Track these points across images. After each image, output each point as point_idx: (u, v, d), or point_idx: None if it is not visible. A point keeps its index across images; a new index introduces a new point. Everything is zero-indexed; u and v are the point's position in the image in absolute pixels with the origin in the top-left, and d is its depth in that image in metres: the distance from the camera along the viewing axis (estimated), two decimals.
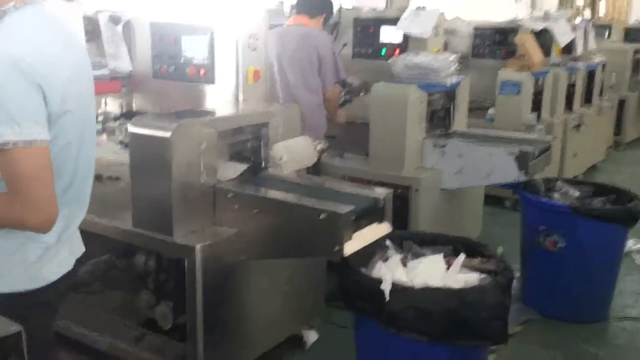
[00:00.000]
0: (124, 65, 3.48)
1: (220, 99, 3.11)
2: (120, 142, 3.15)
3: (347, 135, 4.20)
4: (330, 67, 3.89)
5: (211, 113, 2.88)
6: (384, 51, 4.45)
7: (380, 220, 2.57)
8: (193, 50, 3.18)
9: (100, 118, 3.58)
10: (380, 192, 2.58)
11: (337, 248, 2.31)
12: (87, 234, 2.82)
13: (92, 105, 1.75)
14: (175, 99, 3.30)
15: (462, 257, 2.47)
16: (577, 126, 6.02)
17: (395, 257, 2.47)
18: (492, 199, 5.16)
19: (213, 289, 2.52)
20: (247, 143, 2.86)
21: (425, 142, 3.84)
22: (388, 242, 2.64)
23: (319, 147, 2.78)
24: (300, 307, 3.06)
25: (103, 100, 3.62)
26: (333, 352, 3.13)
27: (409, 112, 3.69)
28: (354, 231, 2.38)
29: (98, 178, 3.05)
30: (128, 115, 3.24)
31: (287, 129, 2.93)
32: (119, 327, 2.93)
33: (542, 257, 3.45)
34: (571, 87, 6.11)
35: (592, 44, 7.14)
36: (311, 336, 3.13)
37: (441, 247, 2.70)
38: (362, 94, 4.47)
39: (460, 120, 4.26)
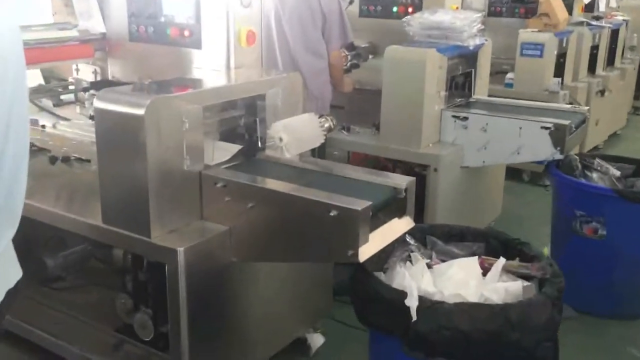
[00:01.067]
0: (96, 25, 2.98)
1: (209, 66, 2.63)
2: (92, 117, 2.68)
3: (354, 105, 3.72)
4: (337, 26, 3.38)
5: (197, 83, 2.41)
6: (395, 9, 3.94)
7: (401, 214, 2.13)
8: (175, 7, 2.68)
9: (72, 87, 3.11)
10: (401, 180, 2.13)
11: (351, 252, 1.88)
12: (53, 228, 2.45)
13: (19, 87, 1.29)
14: (155, 66, 2.82)
15: (501, 261, 2.03)
16: (601, 91, 5.53)
17: (420, 263, 2.04)
18: (509, 171, 4.71)
19: (199, 296, 2.10)
20: (240, 119, 2.40)
21: (444, 113, 3.37)
22: (408, 238, 2.21)
23: (326, 125, 2.32)
24: (304, 307, 2.64)
25: (74, 66, 3.14)
26: (342, 357, 2.74)
27: (427, 78, 3.21)
28: (371, 230, 1.95)
29: (66, 160, 2.61)
30: (101, 84, 2.76)
31: (287, 102, 2.46)
32: (93, 333, 2.51)
33: (578, 245, 3.03)
34: (594, 49, 5.61)
35: (613, 1, 6.61)
36: (317, 340, 2.72)
37: (471, 244, 2.27)
38: (370, 57, 3.98)
39: (482, 87, 3.78)
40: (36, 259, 2.99)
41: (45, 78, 3.28)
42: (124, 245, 2.14)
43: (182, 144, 2.08)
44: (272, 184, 2.07)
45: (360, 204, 1.88)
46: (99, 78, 3.09)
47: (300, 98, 2.57)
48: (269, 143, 2.19)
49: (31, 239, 2.42)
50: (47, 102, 2.99)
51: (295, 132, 2.17)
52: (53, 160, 2.57)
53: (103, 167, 2.11)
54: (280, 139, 2.13)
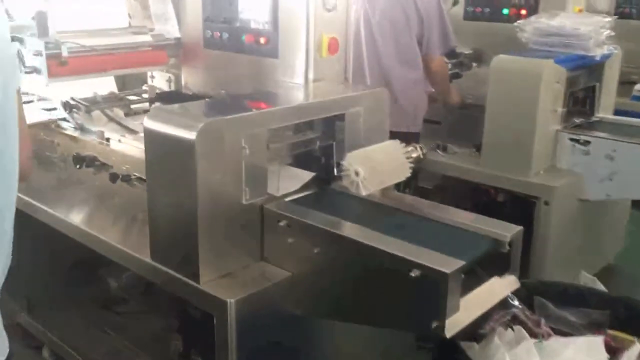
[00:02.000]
0: (171, 29, 2.75)
1: (286, 78, 2.32)
2: None
3: (452, 120, 3.29)
4: (437, 30, 2.97)
5: (269, 99, 2.10)
6: (506, 11, 3.45)
7: (503, 271, 1.71)
8: (251, 11, 2.39)
9: (145, 96, 2.91)
10: (505, 230, 1.70)
11: (435, 324, 1.49)
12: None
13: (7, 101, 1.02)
14: (230, 76, 2.55)
15: (637, 347, 1.56)
16: None
17: (525, 344, 1.61)
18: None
19: (252, 353, 1.78)
20: (315, 142, 2.06)
21: (560, 135, 2.87)
22: (511, 298, 1.79)
23: (413, 156, 1.92)
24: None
25: (149, 73, 2.94)
26: None
27: (541, 94, 2.73)
28: (463, 294, 1.55)
29: (127, 179, 2.38)
30: (167, 96, 2.52)
31: (370, 123, 2.10)
32: None
33: None
34: None
35: None
36: None
37: (592, 311, 1.80)
38: (474, 66, 3.53)
39: (607, 104, 3.23)
40: (99, 279, 2.83)
41: (126, 84, 3.11)
42: (171, 287, 1.87)
43: (241, 173, 1.77)
44: (342, 228, 1.72)
45: (449, 264, 1.48)
46: (172, 87, 2.87)
47: (386, 118, 2.19)
48: (343, 174, 1.84)
49: (94, 257, 2.24)
50: (119, 112, 2.80)
51: (375, 165, 1.80)
52: (114, 178, 2.36)
53: (152, 195, 1.85)
54: (357, 173, 1.76)
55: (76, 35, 2.50)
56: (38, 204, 2.37)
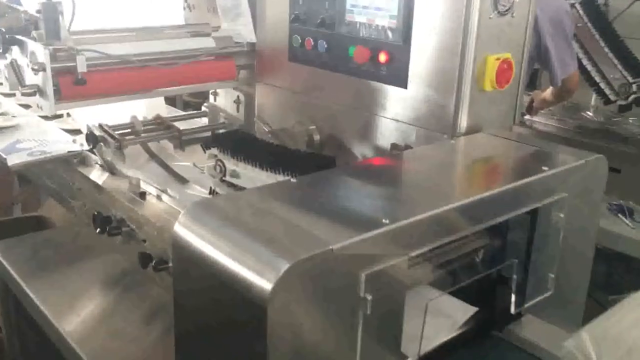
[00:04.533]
0: (243, 30, 1.90)
1: (415, 124, 1.44)
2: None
3: (637, 169, 2.29)
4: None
5: (400, 176, 1.21)
6: None
7: None
8: (367, 10, 1.50)
9: (202, 124, 2.09)
10: None
11: None
12: None
13: None
14: (325, 109, 1.69)
15: None
16: None
17: None
18: None
19: None
20: (476, 255, 1.15)
21: None
22: None
23: None
24: None
25: (211, 92, 2.11)
26: None
27: None
28: None
29: (161, 264, 1.57)
30: (225, 140, 1.65)
31: (577, 220, 1.18)
32: None
33: None
34: None
35: None
36: None
37: None
38: None
39: None
40: None
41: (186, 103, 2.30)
42: None
43: (355, 341, 0.90)
44: None
45: None
46: (241, 110, 2.03)
47: (599, 209, 1.26)
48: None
49: None
50: (167, 145, 2.00)
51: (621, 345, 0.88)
52: (145, 261, 1.54)
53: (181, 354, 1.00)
54: None
55: (101, 37, 1.69)
56: (26, 289, 1.60)
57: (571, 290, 1.28)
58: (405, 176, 1.14)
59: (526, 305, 1.16)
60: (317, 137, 1.73)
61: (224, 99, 2.09)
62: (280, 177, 1.34)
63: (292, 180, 1.02)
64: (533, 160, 1.25)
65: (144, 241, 1.61)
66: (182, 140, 1.94)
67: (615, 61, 2.36)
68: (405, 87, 1.45)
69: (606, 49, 2.38)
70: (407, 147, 1.47)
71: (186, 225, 0.92)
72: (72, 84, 1.58)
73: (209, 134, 2.03)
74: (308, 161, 1.32)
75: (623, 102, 2.41)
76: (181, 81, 1.86)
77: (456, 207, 0.96)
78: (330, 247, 0.81)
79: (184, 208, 1.63)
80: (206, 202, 0.98)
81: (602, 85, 2.42)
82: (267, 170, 1.37)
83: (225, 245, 0.85)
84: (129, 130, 1.91)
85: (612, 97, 2.42)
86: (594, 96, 2.62)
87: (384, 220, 0.89)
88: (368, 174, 1.14)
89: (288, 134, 1.71)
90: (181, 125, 1.97)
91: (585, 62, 2.41)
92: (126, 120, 1.94)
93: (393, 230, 0.88)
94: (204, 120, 2.12)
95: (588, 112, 2.65)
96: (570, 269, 1.24)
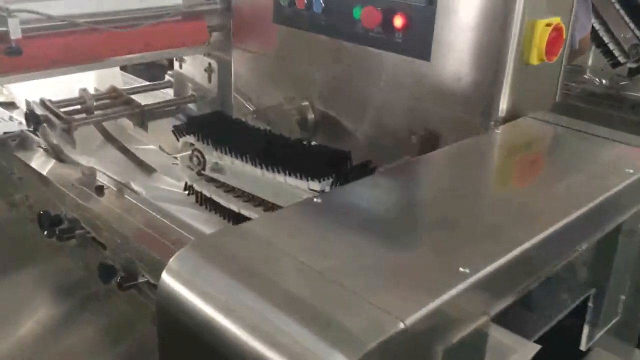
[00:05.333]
0: None
1: (441, 109, 1.17)
2: (188, 189, 1.31)
3: None
4: None
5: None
6: None
7: None
8: None
9: (165, 98, 1.77)
10: None
11: None
12: None
13: None
14: (321, 84, 1.40)
15: None
16: None
17: None
18: None
19: None
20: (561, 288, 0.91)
21: None
22: None
23: None
24: None
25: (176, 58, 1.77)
26: None
27: None
28: None
29: (127, 281, 1.28)
30: (202, 125, 1.33)
31: None
32: None
33: None
34: None
35: None
36: None
37: None
38: None
39: None
40: None
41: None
42: None
43: None
44: None
45: None
46: (214, 81, 1.71)
47: None
48: None
49: None
50: (127, 123, 1.67)
51: None
52: (107, 274, 1.25)
53: None
54: None
55: None
56: None
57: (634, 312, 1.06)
58: (463, 188, 0.86)
59: (597, 338, 0.93)
60: (311, 117, 1.44)
61: (192, 66, 1.76)
62: (280, 177, 1.06)
63: (315, 200, 0.74)
64: (609, 158, 1.00)
65: (104, 248, 1.31)
66: (145, 118, 1.62)
67: (627, 19, 2.13)
68: (428, 60, 1.18)
69: (617, 6, 2.13)
70: (429, 134, 1.20)
71: (180, 281, 0.63)
72: (3, 54, 1.24)
73: (175, 109, 1.72)
74: (316, 157, 1.04)
75: (633, 65, 2.19)
76: (141, 47, 1.52)
77: (548, 235, 0.71)
78: (402, 325, 0.55)
79: (153, 206, 1.34)
80: (204, 243, 0.69)
81: (611, 46, 2.18)
82: (261, 166, 1.08)
83: (246, 321, 0.57)
84: (79, 106, 1.58)
85: (621, 59, 2.19)
86: (591, 57, 2.40)
87: (461, 269, 0.62)
88: (413, 186, 0.87)
89: (275, 113, 1.42)
90: (142, 100, 1.65)
91: (592, 20, 2.17)
92: (74, 94, 1.61)
93: (475, 283, 0.62)
94: (169, 93, 1.80)
95: (588, 75, 2.43)
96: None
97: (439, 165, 0.97)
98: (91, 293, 1.36)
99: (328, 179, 0.99)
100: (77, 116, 1.53)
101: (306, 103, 1.45)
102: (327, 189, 0.97)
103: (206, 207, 1.25)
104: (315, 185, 0.99)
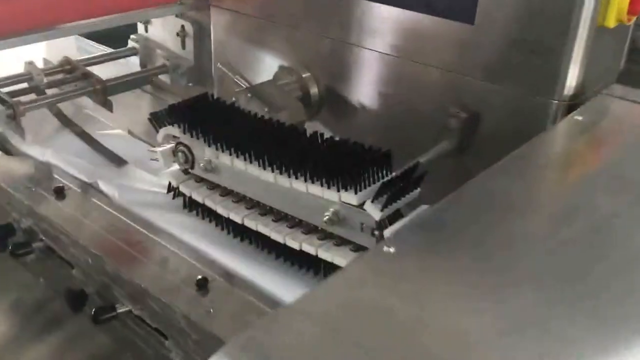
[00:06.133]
0: None
1: (487, 83, 0.93)
2: (172, 191, 1.05)
3: None
4: None
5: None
6: None
7: None
8: None
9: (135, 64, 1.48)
10: None
11: None
12: None
13: None
14: (324, 56, 1.14)
15: None
16: None
17: None
18: None
19: None
20: None
21: None
22: None
23: None
24: None
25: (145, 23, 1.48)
26: None
27: None
28: None
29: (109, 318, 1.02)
30: (184, 110, 1.08)
31: None
32: None
33: None
34: None
35: None
36: None
37: None
38: None
39: None
40: None
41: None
42: None
43: None
44: None
45: None
46: (189, 48, 1.42)
47: None
48: None
49: None
50: (86, 102, 1.38)
51: None
52: (77, 301, 1.00)
53: None
54: None
55: None
56: None
57: None
58: (592, 214, 0.62)
59: None
60: (314, 91, 1.19)
61: (162, 29, 1.47)
62: (299, 184, 0.82)
63: (386, 248, 0.51)
64: None
65: (72, 267, 1.06)
66: (108, 95, 1.34)
67: None
68: (472, 23, 0.93)
69: None
70: (472, 115, 0.97)
71: None
72: None
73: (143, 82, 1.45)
74: (346, 157, 0.80)
75: None
76: (99, 10, 1.23)
77: None
78: None
79: (128, 213, 1.09)
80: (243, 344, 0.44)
81: None
82: (273, 169, 0.84)
83: None
84: (26, 85, 1.29)
85: None
86: None
87: None
88: (523, 208, 0.62)
89: (273, 89, 1.16)
90: (102, 73, 1.36)
91: None
92: (19, 69, 1.31)
93: None
94: (134, 62, 1.51)
95: None
96: None
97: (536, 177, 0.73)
98: (57, 317, 1.12)
99: (366, 187, 0.76)
100: (24, 97, 1.24)
101: (308, 74, 1.19)
102: (369, 204, 0.74)
103: (197, 214, 1.01)
104: (351, 197, 0.76)
